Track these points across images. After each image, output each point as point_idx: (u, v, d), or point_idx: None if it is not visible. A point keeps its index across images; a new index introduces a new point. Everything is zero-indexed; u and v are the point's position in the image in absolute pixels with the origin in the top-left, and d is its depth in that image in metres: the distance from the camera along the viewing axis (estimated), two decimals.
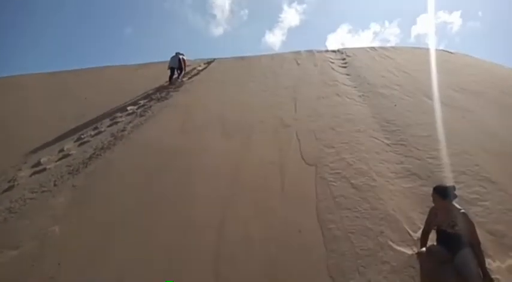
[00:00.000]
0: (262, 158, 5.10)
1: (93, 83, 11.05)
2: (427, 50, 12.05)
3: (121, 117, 7.59)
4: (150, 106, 7.99)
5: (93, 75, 12.22)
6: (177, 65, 10.45)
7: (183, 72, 10.63)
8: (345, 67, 9.70)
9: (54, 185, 5.03)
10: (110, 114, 7.80)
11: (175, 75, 10.43)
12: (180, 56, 10.54)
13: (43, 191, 4.91)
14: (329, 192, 4.07)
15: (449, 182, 3.89)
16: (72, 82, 11.50)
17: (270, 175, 4.57)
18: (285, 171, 4.63)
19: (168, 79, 10.23)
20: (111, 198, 4.43)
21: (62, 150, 6.19)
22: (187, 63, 10.88)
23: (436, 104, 6.62)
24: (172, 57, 10.52)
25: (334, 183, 4.21)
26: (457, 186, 3.23)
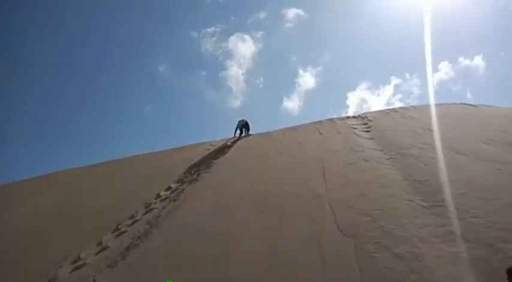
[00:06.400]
0: (298, 233, 5.02)
1: (126, 172, 11.50)
2: (448, 105, 12.11)
3: (155, 203, 7.72)
4: (183, 189, 8.15)
5: (125, 165, 12.77)
6: (245, 124, 14.03)
7: (247, 132, 14.03)
8: (368, 131, 9.77)
9: (94, 280, 5.04)
10: (145, 202, 7.94)
11: (243, 135, 13.83)
12: (246, 121, 14.02)
13: None
14: (372, 264, 3.90)
15: (499, 242, 3.69)
16: (106, 173, 12.02)
17: (308, 251, 4.46)
18: (323, 245, 4.51)
19: (233, 136, 13.60)
20: None
21: (100, 243, 6.27)
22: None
23: (468, 159, 6.49)
24: (240, 121, 13.91)
25: (376, 254, 4.05)
26: (509, 247, 3.06)
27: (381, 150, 7.81)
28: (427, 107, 12.00)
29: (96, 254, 5.92)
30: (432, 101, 13.05)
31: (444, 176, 5.83)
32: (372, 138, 8.99)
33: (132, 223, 6.87)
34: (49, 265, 5.85)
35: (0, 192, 12.82)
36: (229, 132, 14.30)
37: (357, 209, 5.27)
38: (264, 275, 4.23)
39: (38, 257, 6.27)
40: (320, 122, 12.64)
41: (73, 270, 5.56)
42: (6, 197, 11.72)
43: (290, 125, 13.63)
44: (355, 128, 10.43)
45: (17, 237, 7.48)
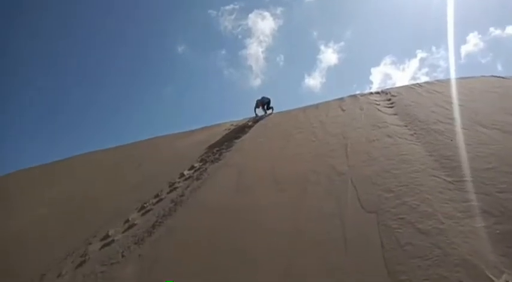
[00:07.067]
0: (320, 210, 5.02)
1: (149, 153, 11.76)
2: (476, 78, 11.69)
3: (179, 182, 7.90)
4: (206, 169, 8.28)
5: (148, 146, 13.04)
6: (266, 102, 14.19)
7: (267, 110, 14.25)
8: (391, 107, 9.57)
9: (122, 256, 5.24)
10: (169, 181, 8.13)
11: (263, 113, 14.12)
12: (268, 98, 14.23)
13: (112, 263, 5.12)
14: (395, 240, 3.88)
15: None
16: (129, 154, 12.32)
17: (330, 227, 4.46)
18: (345, 222, 4.49)
19: (255, 115, 14.04)
20: (176, 266, 4.52)
21: (127, 221, 6.49)
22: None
23: (495, 132, 6.28)
24: (263, 98, 14.19)
25: (399, 230, 4.02)
26: None
27: (405, 126, 7.65)
28: (453, 81, 11.63)
29: (124, 232, 6.13)
30: (453, 74, 12.64)
31: (470, 151, 5.67)
32: (396, 114, 8.81)
33: (157, 202, 7.07)
34: (79, 242, 6.13)
35: (24, 175, 13.41)
36: (249, 111, 14.38)
37: (380, 186, 5.20)
38: (285, 251, 4.27)
39: (68, 234, 6.57)
40: (342, 98, 12.47)
41: (102, 246, 5.80)
42: (32, 180, 12.22)
43: (312, 102, 13.56)
44: (378, 104, 10.23)
45: (47, 217, 7.84)
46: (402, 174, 5.37)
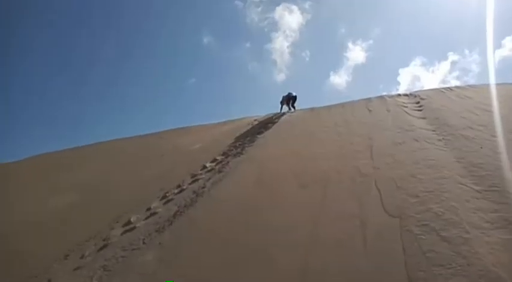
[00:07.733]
0: (341, 210, 4.97)
1: (173, 143, 11.92)
2: (510, 85, 11.29)
3: (201, 174, 8.01)
4: (228, 162, 8.32)
5: (172, 137, 13.22)
6: (292, 98, 14.14)
7: (294, 108, 14.13)
8: (420, 110, 9.35)
9: (143, 242, 5.35)
10: (191, 172, 8.24)
11: (288, 109, 14.14)
12: (294, 94, 14.16)
13: (133, 249, 5.24)
14: (417, 246, 3.80)
15: None
16: (153, 144, 12.54)
17: (350, 229, 4.41)
18: (366, 224, 4.44)
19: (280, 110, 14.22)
20: (195, 256, 4.58)
21: (149, 209, 6.63)
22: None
23: None
24: (289, 94, 14.15)
25: (422, 237, 3.94)
26: None
27: (433, 131, 7.47)
28: (486, 86, 11.25)
29: (145, 219, 6.26)
30: (492, 80, 12.22)
31: (501, 160, 5.50)
32: (424, 118, 8.61)
33: (179, 192, 7.18)
34: (102, 227, 6.28)
35: (45, 161, 13.80)
36: (273, 106, 14.41)
37: (405, 190, 5.10)
38: (303, 250, 4.25)
39: (91, 219, 6.78)
40: (369, 99, 12.27)
41: (124, 232, 5.95)
42: (55, 165, 12.59)
43: (337, 101, 13.44)
44: (406, 107, 10.02)
45: (69, 202, 8.11)
46: (428, 180, 5.26)
